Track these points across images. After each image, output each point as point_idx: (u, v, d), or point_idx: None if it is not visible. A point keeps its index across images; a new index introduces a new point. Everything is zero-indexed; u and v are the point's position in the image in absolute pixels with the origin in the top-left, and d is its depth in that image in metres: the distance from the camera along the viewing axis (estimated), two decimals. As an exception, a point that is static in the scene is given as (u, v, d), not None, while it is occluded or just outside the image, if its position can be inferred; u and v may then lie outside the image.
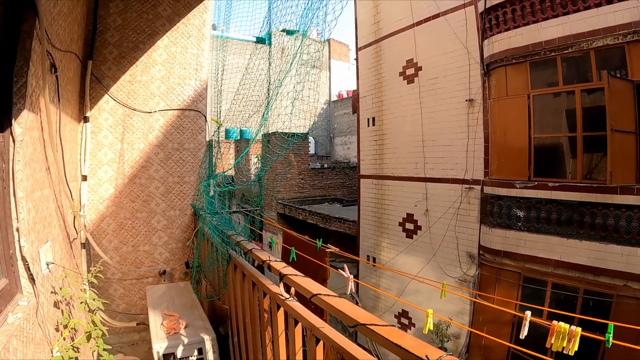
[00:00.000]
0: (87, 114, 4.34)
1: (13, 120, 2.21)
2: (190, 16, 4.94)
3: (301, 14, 2.80)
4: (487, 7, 7.36)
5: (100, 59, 4.44)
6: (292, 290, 2.40)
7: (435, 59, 8.80)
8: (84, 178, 4.32)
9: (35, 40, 2.32)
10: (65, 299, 2.73)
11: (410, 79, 9.42)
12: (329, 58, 27.25)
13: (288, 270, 2.49)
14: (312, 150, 23.66)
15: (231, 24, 5.46)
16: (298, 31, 2.75)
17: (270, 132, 3.15)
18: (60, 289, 2.65)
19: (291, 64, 2.76)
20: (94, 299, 2.90)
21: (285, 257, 3.83)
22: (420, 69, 9.17)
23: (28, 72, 2.27)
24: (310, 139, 23.63)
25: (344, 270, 2.45)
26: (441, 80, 8.67)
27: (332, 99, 26.90)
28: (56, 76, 2.88)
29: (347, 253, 3.60)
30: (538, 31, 6.66)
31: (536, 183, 6.73)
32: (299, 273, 2.43)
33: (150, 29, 4.70)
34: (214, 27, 5.79)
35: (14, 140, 2.23)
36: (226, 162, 4.99)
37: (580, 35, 6.15)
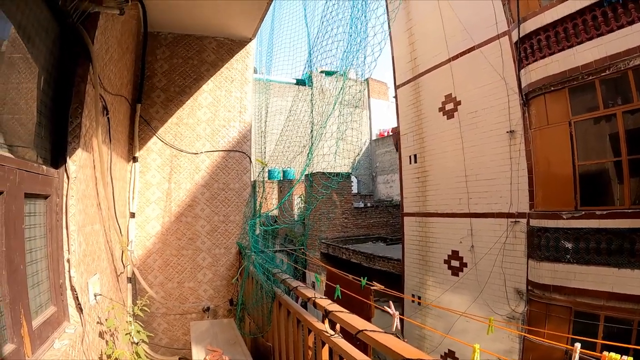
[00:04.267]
0: (136, 154, 4.60)
1: (68, 158, 2.39)
2: (233, 61, 5.22)
3: (341, 57, 2.90)
4: (521, 36, 7.31)
5: (148, 102, 4.76)
6: (337, 327, 2.38)
7: (473, 92, 8.74)
8: (132, 215, 4.52)
9: (89, 84, 2.53)
10: (110, 330, 2.81)
11: (450, 114, 9.36)
12: (369, 97, 27.65)
13: (334, 307, 2.50)
14: (355, 190, 23.62)
15: (272, 68, 5.73)
16: (337, 72, 2.83)
17: (313, 172, 3.20)
18: (106, 319, 2.73)
19: (334, 105, 2.83)
20: (138, 331, 2.96)
21: (329, 295, 3.78)
22: (459, 103, 9.11)
23: (82, 113, 2.47)
24: (353, 178, 23.67)
25: (389, 307, 2.39)
26: (481, 113, 8.56)
27: (373, 138, 27.04)
28: (108, 118, 3.10)
29: (392, 290, 3.52)
30: (574, 56, 6.52)
31: (583, 212, 6.40)
32: (344, 310, 2.43)
33: (196, 73, 5.01)
34: (255, 71, 6.07)
35: (68, 177, 2.40)
36: (270, 202, 5.08)
37: (617, 55, 5.97)
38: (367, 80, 27.76)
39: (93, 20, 2.54)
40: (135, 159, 4.59)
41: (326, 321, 2.48)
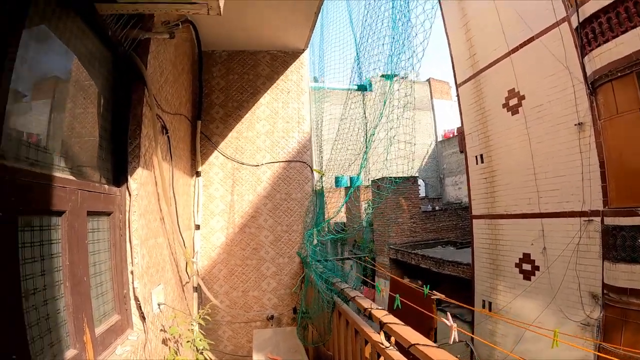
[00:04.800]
0: (199, 169, 4.84)
1: (129, 177, 2.57)
2: (288, 72, 5.33)
3: (386, 60, 2.87)
4: (581, 20, 6.73)
5: (208, 118, 5.00)
6: (392, 339, 2.34)
7: (537, 84, 8.18)
8: (197, 227, 4.75)
9: (146, 106, 2.71)
10: (174, 337, 2.96)
11: (514, 110, 8.84)
12: (431, 98, 26.93)
13: (388, 318, 2.48)
14: (422, 193, 23.03)
15: (326, 75, 5.77)
16: (396, 75, 2.79)
17: (377, 178, 3.19)
18: (170, 327, 2.88)
19: (384, 108, 2.79)
20: (200, 339, 3.09)
21: (391, 305, 3.70)
22: (523, 97, 8.58)
23: (141, 134, 2.65)
24: (420, 181, 23.10)
25: (446, 318, 2.30)
26: (546, 107, 7.99)
27: (438, 139, 26.26)
28: (168, 136, 3.30)
29: (455, 300, 3.36)
30: (639, 37, 5.88)
31: (662, 208, 5.70)
32: (398, 321, 2.40)
33: (252, 87, 5.18)
34: (315, 80, 6.14)
35: (130, 194, 2.58)
36: (332, 210, 5.11)
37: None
38: (428, 80, 27.05)
39: (144, 46, 2.72)
40: (198, 174, 4.84)
41: (381, 333, 2.44)
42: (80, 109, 2.17)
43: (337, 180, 22.84)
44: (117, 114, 2.59)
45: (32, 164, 1.68)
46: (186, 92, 4.31)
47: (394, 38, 2.77)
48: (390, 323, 2.37)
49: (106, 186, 2.36)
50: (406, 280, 9.28)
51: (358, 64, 3.78)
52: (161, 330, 2.80)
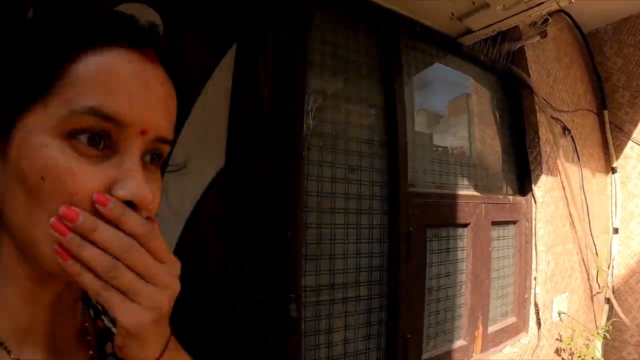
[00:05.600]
0: (614, 165, 4.14)
1: (533, 185, 2.64)
2: None
3: None
4: None
5: (613, 105, 4.10)
6: None
7: None
8: (615, 231, 4.15)
9: (539, 112, 2.65)
10: (570, 349, 2.84)
11: None
12: None
13: None
14: None
15: None
16: None
17: None
18: (565, 338, 2.79)
19: None
20: (592, 357, 2.85)
21: None
22: None
23: (539, 141, 2.63)
24: None
25: None
26: None
27: None
28: (571, 137, 3.07)
29: None
30: None
31: None
32: None
33: None
34: None
35: (535, 202, 2.65)
36: None
37: None
38: None
39: (520, 54, 2.65)
40: (613, 170, 4.15)
41: None
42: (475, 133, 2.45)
43: None
44: (513, 126, 2.70)
45: (437, 187, 2.11)
46: (582, 83, 3.76)
47: None
48: None
49: (511, 197, 2.53)
50: None
51: None
52: (556, 339, 2.76)
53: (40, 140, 0.38)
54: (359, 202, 1.74)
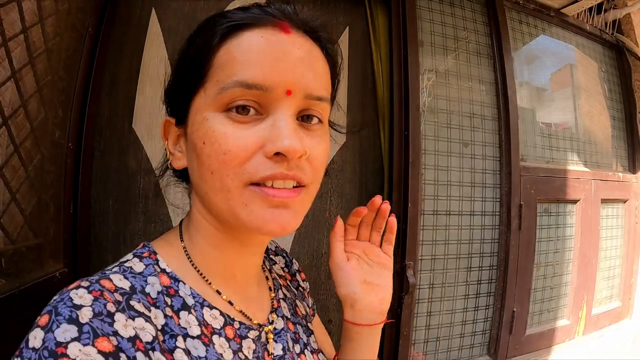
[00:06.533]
0: None
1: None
2: None
3: None
4: None
5: None
6: None
7: None
8: None
9: None
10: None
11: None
12: None
13: None
14: None
15: None
16: None
17: None
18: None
19: None
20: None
21: None
22: None
23: None
24: None
25: None
26: None
27: None
28: None
29: None
30: None
31: None
32: None
33: None
34: None
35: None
36: None
37: None
38: None
39: (626, 23, 2.48)
40: None
41: None
42: (583, 107, 2.33)
43: None
44: (622, 99, 2.57)
45: (547, 162, 2.08)
46: None
47: None
48: None
49: (620, 174, 2.41)
50: None
51: None
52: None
53: (203, 116, 0.47)
54: (472, 175, 1.76)
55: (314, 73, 0.48)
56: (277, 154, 0.44)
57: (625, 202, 2.45)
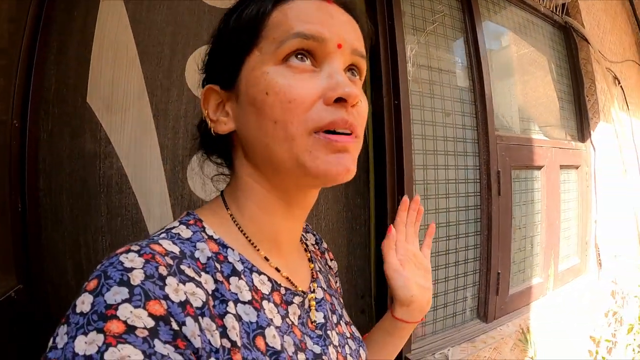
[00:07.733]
0: None
1: (591, 132, 2.70)
2: None
3: None
4: None
5: None
6: None
7: None
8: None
9: (594, 62, 2.71)
10: (622, 292, 2.93)
11: None
12: None
13: None
14: None
15: None
16: None
17: None
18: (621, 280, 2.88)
19: None
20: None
21: None
22: None
23: (596, 90, 2.69)
24: None
25: None
26: None
27: None
28: (621, 87, 3.09)
29: None
30: None
31: None
32: None
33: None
34: None
35: (594, 148, 2.71)
36: None
37: None
38: None
39: (574, 6, 2.71)
40: None
41: None
42: (538, 81, 2.49)
43: None
44: (571, 76, 2.77)
45: (519, 131, 2.16)
46: (626, 35, 3.75)
47: None
48: None
49: (573, 142, 2.60)
50: None
51: None
52: (612, 281, 2.86)
53: (262, 71, 0.48)
54: (455, 144, 1.80)
55: (356, 34, 0.53)
56: (337, 100, 0.47)
57: (577, 167, 2.65)
